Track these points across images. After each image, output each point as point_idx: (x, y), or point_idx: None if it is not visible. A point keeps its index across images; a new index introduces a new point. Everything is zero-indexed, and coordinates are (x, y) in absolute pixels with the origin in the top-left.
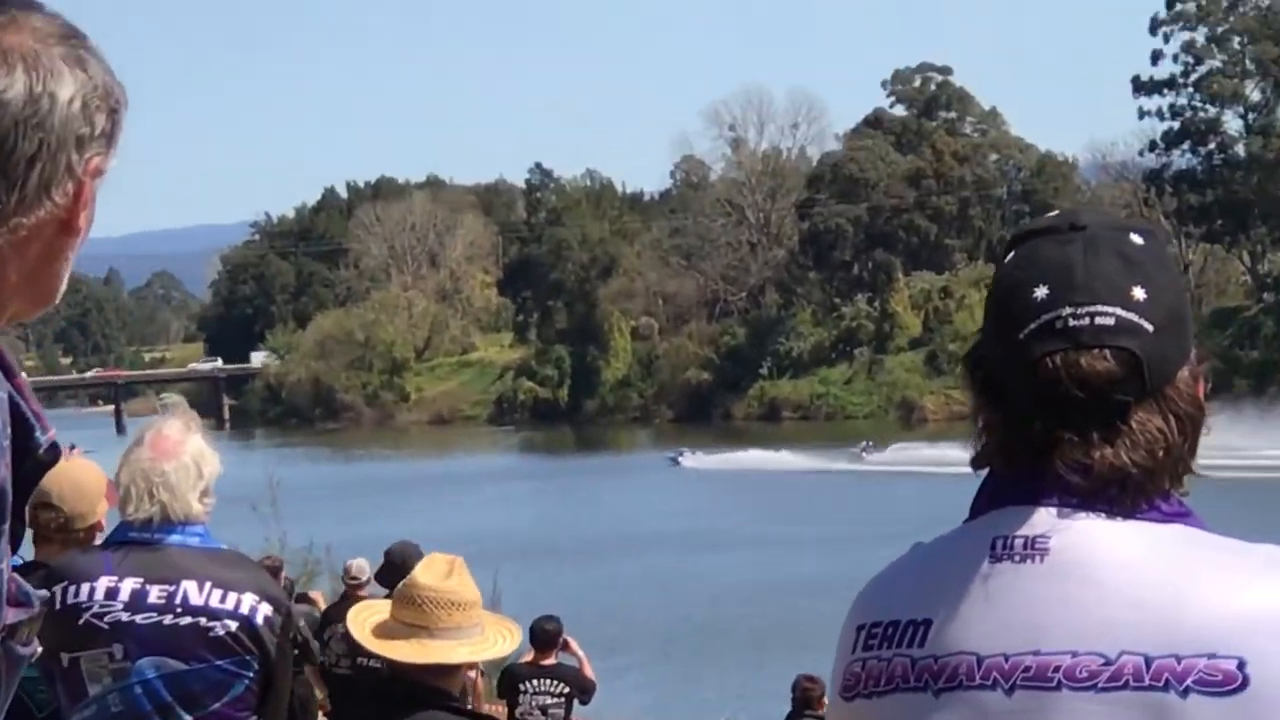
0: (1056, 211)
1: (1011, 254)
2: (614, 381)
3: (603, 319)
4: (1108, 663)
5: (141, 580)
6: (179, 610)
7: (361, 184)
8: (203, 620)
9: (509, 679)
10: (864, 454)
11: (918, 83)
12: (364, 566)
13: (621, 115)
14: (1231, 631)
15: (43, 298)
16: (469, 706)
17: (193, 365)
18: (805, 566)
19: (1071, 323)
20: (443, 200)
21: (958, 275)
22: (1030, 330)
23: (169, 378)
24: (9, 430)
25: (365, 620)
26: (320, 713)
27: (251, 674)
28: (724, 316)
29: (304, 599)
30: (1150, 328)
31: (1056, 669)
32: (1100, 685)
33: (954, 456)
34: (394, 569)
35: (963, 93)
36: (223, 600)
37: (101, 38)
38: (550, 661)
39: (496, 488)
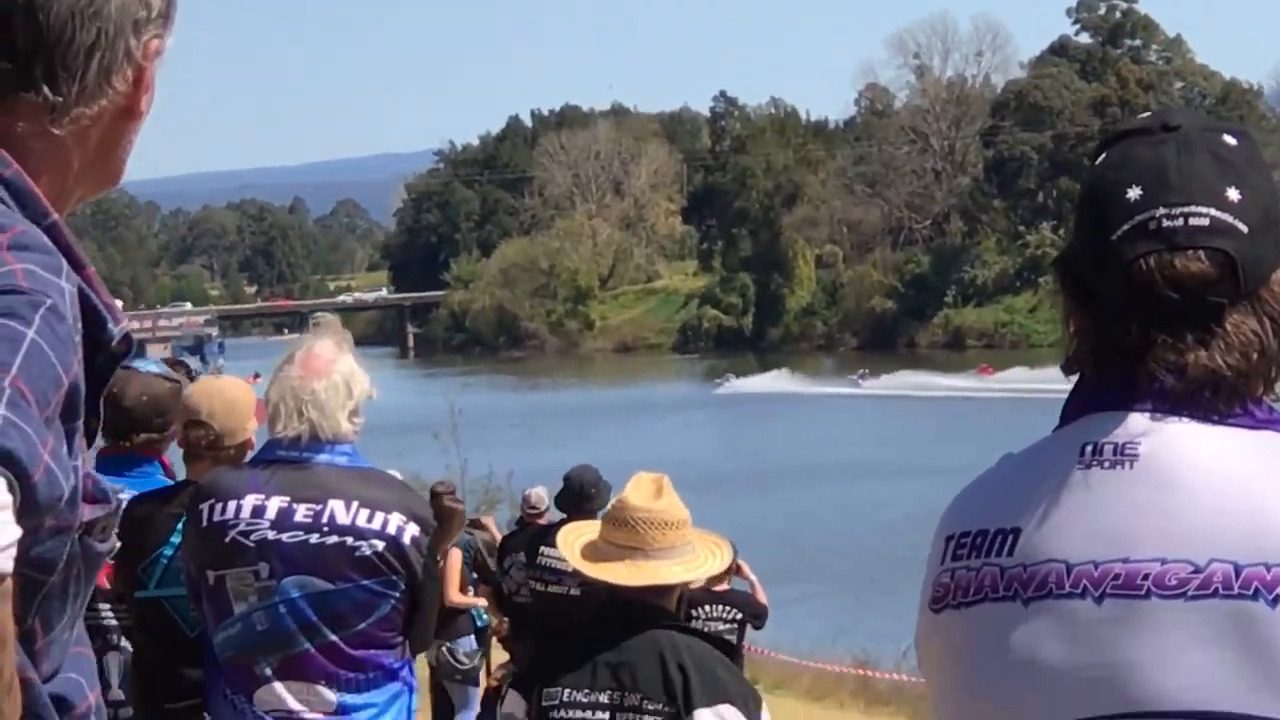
0: (1149, 113)
1: (1103, 155)
2: (798, 310)
3: (787, 247)
4: (1197, 570)
5: (288, 499)
6: (325, 529)
7: (546, 112)
8: (349, 540)
9: (682, 604)
10: (860, 381)
11: (1102, 10)
12: (543, 496)
13: (806, 43)
14: None
15: (106, 181)
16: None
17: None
18: None
19: (1165, 224)
20: (627, 128)
21: None
22: (1123, 232)
23: (353, 306)
24: (79, 324)
25: (574, 542)
26: (495, 639)
27: (398, 594)
28: (908, 244)
29: (476, 524)
30: (1245, 229)
31: (1145, 576)
32: (1190, 593)
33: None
34: (573, 494)
35: (1147, 20)
36: (370, 520)
37: None
38: (723, 587)
39: (680, 416)
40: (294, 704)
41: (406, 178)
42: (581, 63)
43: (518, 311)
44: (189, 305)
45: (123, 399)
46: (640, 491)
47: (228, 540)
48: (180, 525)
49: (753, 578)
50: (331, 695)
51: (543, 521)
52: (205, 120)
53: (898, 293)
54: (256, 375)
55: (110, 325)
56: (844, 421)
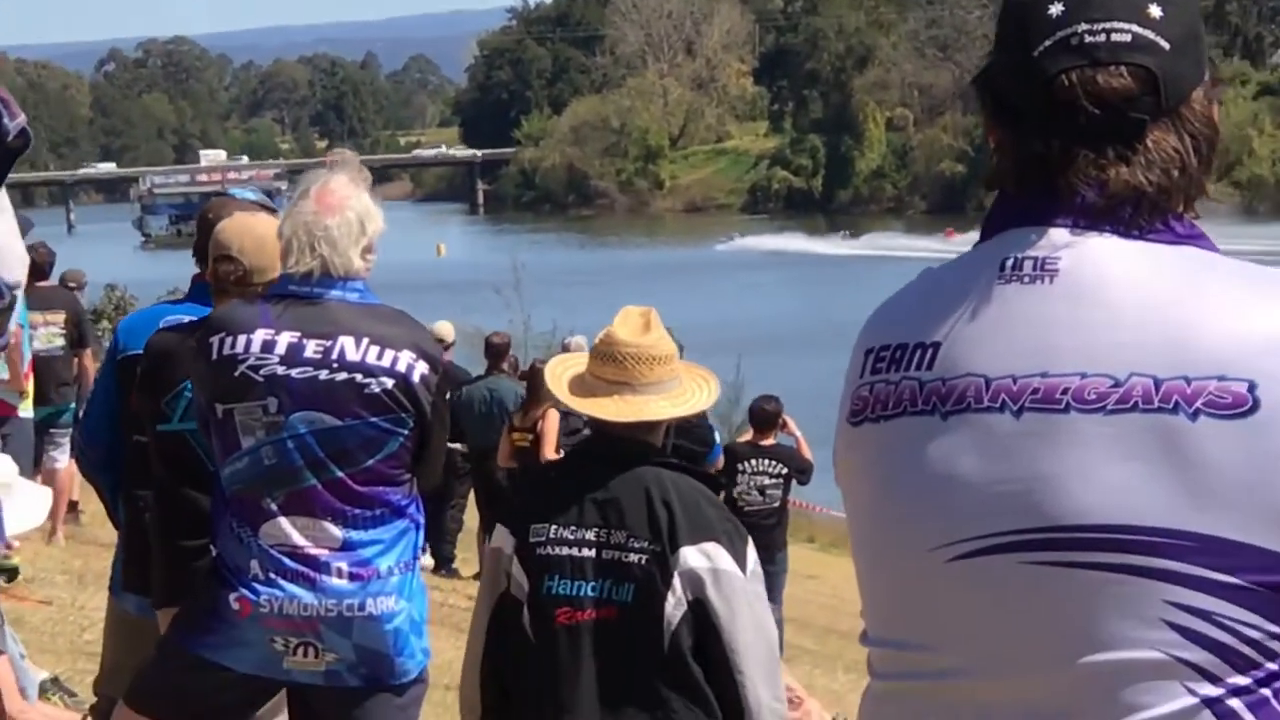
0: None
1: None
2: (868, 172)
3: (857, 109)
4: (1116, 384)
5: (299, 334)
6: (335, 365)
7: None
8: (358, 376)
9: (728, 457)
10: (843, 239)
11: None
12: (583, 343)
13: None
14: (1242, 354)
15: None
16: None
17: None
18: None
19: (1088, 39)
20: None
21: (1215, 69)
22: (1045, 48)
23: (423, 162)
24: None
25: (561, 375)
26: None
27: (406, 431)
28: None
29: (525, 375)
30: (1167, 45)
31: (1065, 391)
32: (1109, 407)
33: None
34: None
35: None
36: (379, 357)
37: None
38: (769, 442)
39: (748, 276)
40: (299, 539)
41: (480, 34)
42: None
43: (588, 170)
44: (245, 159)
45: (218, 224)
46: (628, 326)
47: (237, 374)
48: None
49: (798, 433)
50: (337, 531)
51: None
52: None
53: (967, 156)
54: None
55: (5, 119)
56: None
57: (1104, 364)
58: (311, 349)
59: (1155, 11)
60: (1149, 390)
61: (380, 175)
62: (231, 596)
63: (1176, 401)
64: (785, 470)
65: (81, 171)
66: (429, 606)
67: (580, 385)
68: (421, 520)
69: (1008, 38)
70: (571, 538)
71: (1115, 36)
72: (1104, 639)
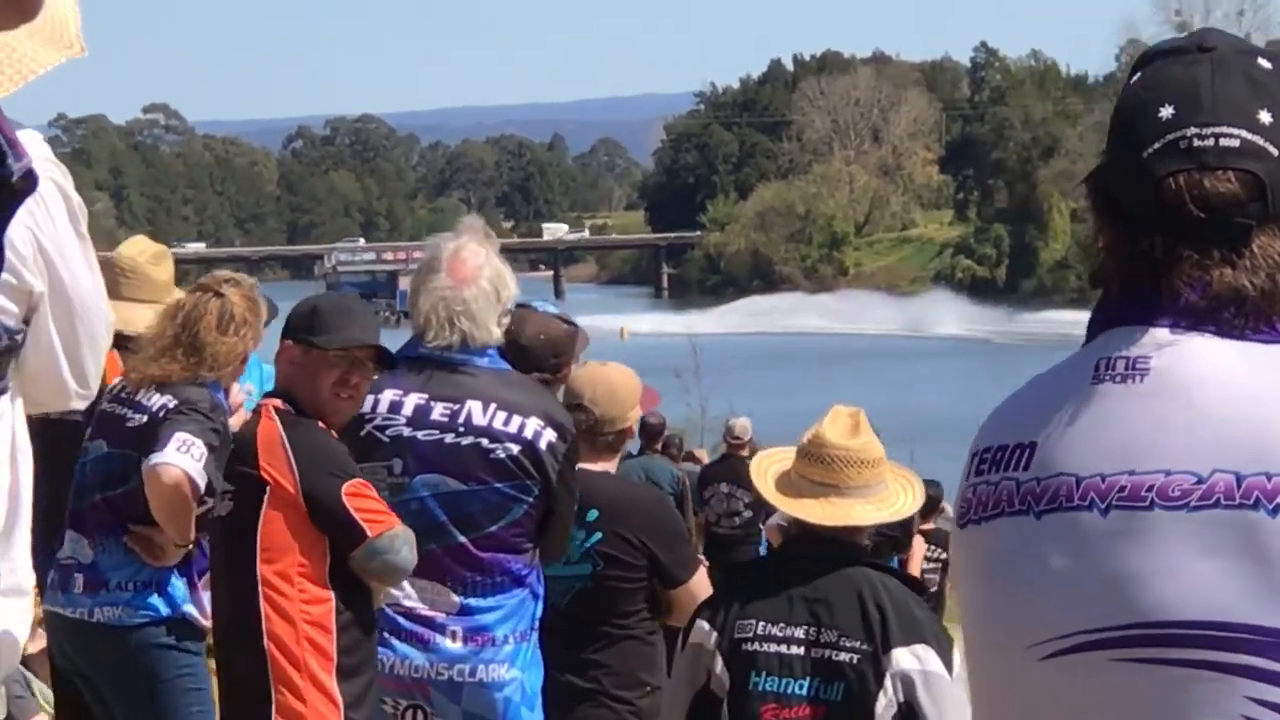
0: (1186, 33)
1: (1139, 74)
2: (1052, 262)
3: (1043, 199)
4: (1199, 481)
5: (427, 397)
6: (461, 429)
7: (807, 57)
8: (484, 441)
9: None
10: None
11: None
12: (746, 426)
13: None
14: None
15: (24, 13)
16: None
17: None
18: None
19: (1196, 143)
20: (887, 76)
21: None
22: (1154, 150)
23: (609, 244)
24: None
25: (767, 471)
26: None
27: (531, 499)
28: None
29: (690, 457)
30: (1275, 151)
31: (1150, 488)
32: (1192, 504)
33: None
34: None
35: None
36: (506, 423)
37: None
38: (928, 526)
39: (928, 364)
40: (418, 601)
41: (667, 118)
42: (845, 8)
43: (772, 255)
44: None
45: (519, 337)
46: (837, 427)
47: (363, 434)
48: None
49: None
50: (455, 596)
51: (744, 453)
52: (470, 54)
53: None
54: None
55: (10, 160)
56: None
57: (1187, 461)
58: (439, 412)
59: (1265, 118)
60: (1230, 486)
61: (566, 258)
62: None
63: (1257, 497)
64: (945, 555)
65: (268, 249)
66: None
67: (787, 484)
68: (541, 591)
69: (1119, 138)
70: (780, 635)
71: (1224, 141)
72: None
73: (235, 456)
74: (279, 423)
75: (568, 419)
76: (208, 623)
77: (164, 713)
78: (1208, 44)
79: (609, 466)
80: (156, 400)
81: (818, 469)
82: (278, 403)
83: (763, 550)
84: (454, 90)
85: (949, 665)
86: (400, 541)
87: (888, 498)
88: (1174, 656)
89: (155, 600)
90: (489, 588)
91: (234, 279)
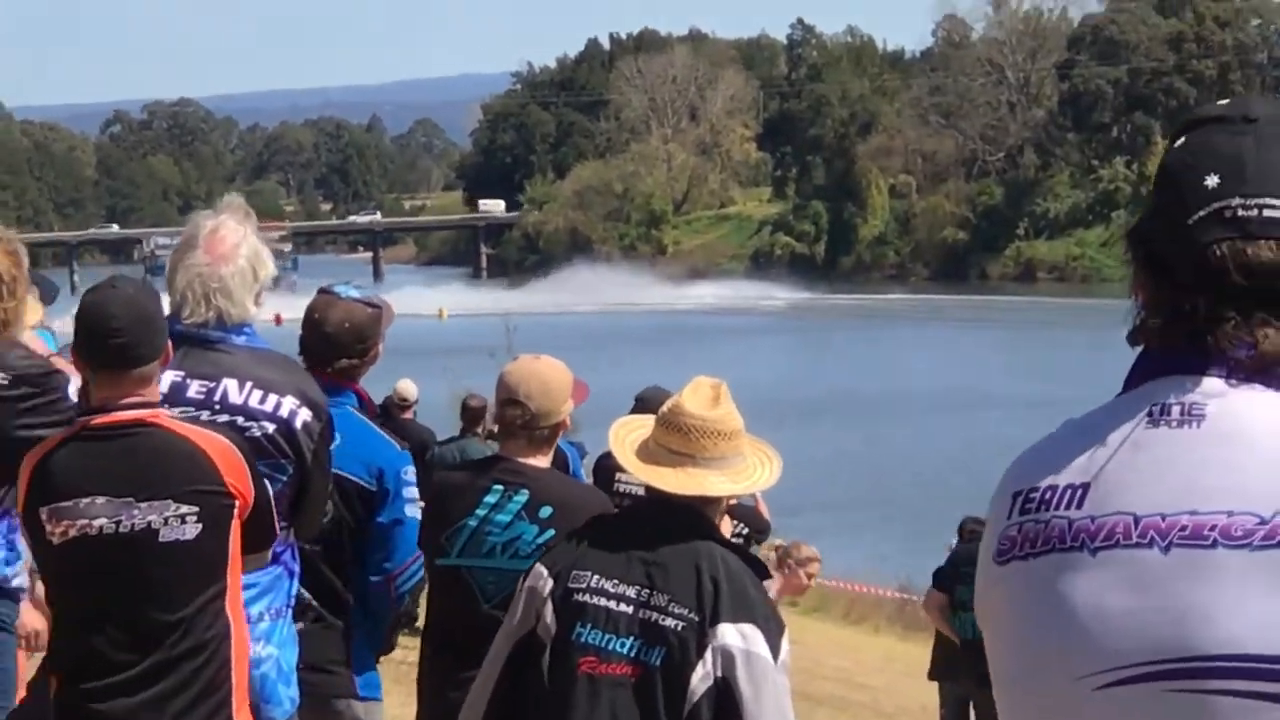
0: (1228, 100)
1: (1183, 139)
2: (871, 239)
3: (861, 176)
4: (1263, 522)
5: (183, 374)
6: (217, 407)
7: (624, 35)
8: (240, 419)
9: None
10: None
11: None
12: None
13: None
14: None
15: None
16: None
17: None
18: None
19: (1240, 213)
20: (704, 53)
21: None
22: (1199, 217)
23: (428, 225)
24: None
25: (625, 438)
26: None
27: (285, 478)
28: (981, 176)
29: (492, 435)
30: None
31: (1213, 528)
32: (1255, 543)
33: None
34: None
35: None
36: (262, 401)
37: None
38: (731, 502)
39: (748, 343)
40: None
41: (484, 99)
42: None
43: (591, 234)
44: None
45: (324, 324)
46: (697, 398)
47: None
48: (487, 497)
49: (756, 492)
50: None
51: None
52: (285, 36)
53: (970, 224)
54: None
55: None
56: (909, 355)
57: (1250, 503)
58: (194, 389)
59: None
60: None
61: (385, 239)
62: None
63: None
64: (745, 530)
65: (86, 233)
66: (389, 665)
67: (645, 451)
68: (296, 569)
69: (1164, 202)
70: (612, 590)
71: (1268, 212)
72: None
73: (185, 474)
74: (217, 432)
75: (322, 398)
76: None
77: None
78: (1252, 114)
79: (544, 460)
80: None
81: (675, 437)
82: (167, 411)
83: None
84: (271, 73)
85: (775, 650)
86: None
87: (744, 470)
88: (1230, 688)
89: None
90: None
91: None
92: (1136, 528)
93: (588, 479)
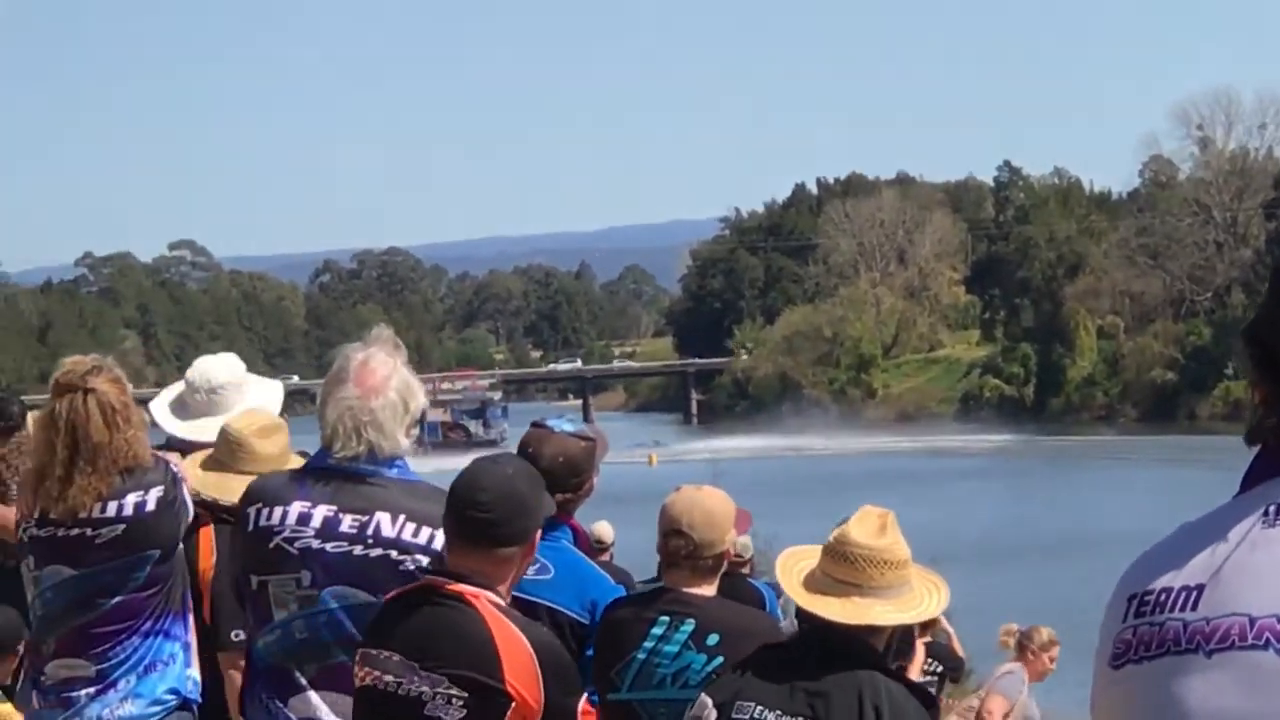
0: None
1: None
2: (1079, 380)
3: (1069, 317)
4: None
5: (335, 509)
6: (370, 541)
7: (831, 180)
8: (393, 553)
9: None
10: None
11: None
12: (748, 544)
13: (1089, 114)
14: None
15: None
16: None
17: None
18: None
19: None
20: (912, 197)
21: None
22: None
23: (637, 372)
24: None
25: (793, 568)
26: None
27: None
28: (1189, 316)
29: None
30: None
31: None
32: None
33: None
34: None
35: None
36: (415, 534)
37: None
38: (926, 639)
39: (957, 486)
40: (328, 714)
41: (693, 244)
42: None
43: (800, 379)
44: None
45: (539, 460)
46: (864, 527)
47: (272, 546)
48: (654, 629)
49: (949, 628)
50: None
51: (745, 570)
52: (496, 184)
53: (1178, 364)
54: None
55: None
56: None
57: None
58: (347, 523)
59: None
60: None
61: (595, 385)
62: None
63: None
64: (940, 668)
65: (297, 382)
66: None
67: (811, 581)
68: None
69: (1278, 293)
70: None
71: None
72: None
73: (466, 657)
74: (518, 628)
75: None
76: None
77: None
78: None
79: (710, 590)
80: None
81: (842, 567)
82: (491, 596)
83: None
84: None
85: None
86: None
87: (911, 600)
88: None
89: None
90: None
91: (97, 365)
92: (1252, 629)
93: (784, 618)
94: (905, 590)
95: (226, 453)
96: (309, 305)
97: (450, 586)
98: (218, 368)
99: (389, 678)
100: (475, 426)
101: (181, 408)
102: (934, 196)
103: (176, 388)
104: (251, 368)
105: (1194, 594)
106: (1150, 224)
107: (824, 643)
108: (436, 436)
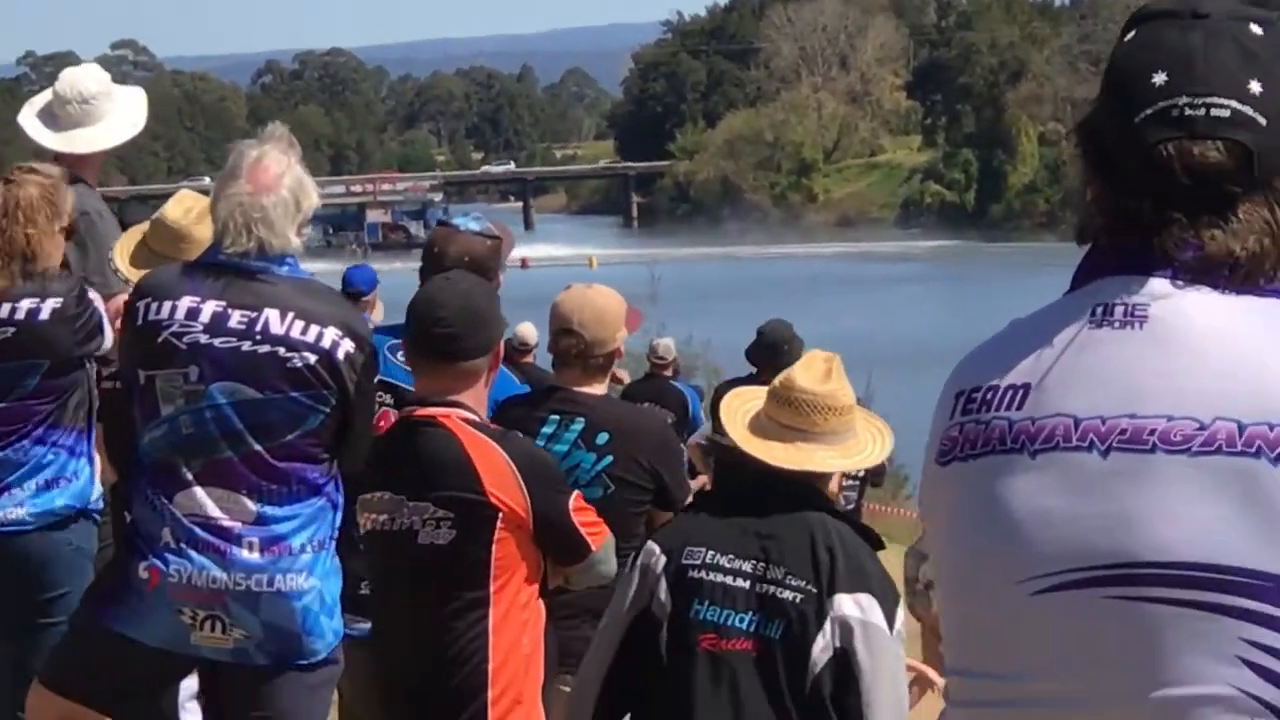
0: None
1: (1132, 33)
2: (1020, 186)
3: (1010, 124)
4: (1202, 427)
5: (224, 304)
6: (258, 337)
7: None
8: (281, 350)
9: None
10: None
11: None
12: (670, 346)
13: None
14: None
15: None
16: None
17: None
18: None
19: (1188, 112)
20: (854, 2)
21: None
22: (1146, 115)
23: (578, 174)
24: None
25: (737, 411)
26: None
27: (327, 409)
28: None
29: (612, 378)
30: (1264, 121)
31: (1152, 432)
32: (1194, 449)
33: None
34: (765, 347)
35: None
36: (304, 332)
37: None
38: None
39: (896, 290)
40: (214, 510)
41: (635, 48)
42: None
43: (741, 183)
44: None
45: (444, 259)
46: (810, 372)
47: (160, 340)
48: (544, 427)
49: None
50: (252, 504)
51: (668, 372)
52: None
53: None
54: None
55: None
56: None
57: (1190, 408)
58: (236, 319)
59: (1255, 88)
60: (1233, 434)
61: (536, 188)
62: (141, 566)
63: (1259, 446)
64: (861, 472)
65: None
66: None
67: (756, 425)
68: (340, 500)
69: (1111, 99)
70: (727, 565)
71: (1214, 111)
72: (1180, 674)
73: (445, 479)
74: (491, 439)
75: (366, 329)
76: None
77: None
78: (1202, 9)
79: (600, 388)
80: (22, 306)
81: (786, 412)
82: (461, 413)
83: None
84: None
85: (891, 621)
86: (610, 548)
87: (855, 445)
88: (1169, 596)
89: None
90: (285, 496)
91: (35, 168)
92: (1076, 430)
93: (706, 420)
94: (850, 436)
95: (167, 244)
96: (251, 106)
97: (419, 412)
98: (87, 78)
99: (382, 517)
100: (415, 228)
101: (51, 119)
102: (877, 1)
103: (43, 98)
104: (193, 167)
105: (1020, 393)
106: (1093, 30)
107: (771, 486)
108: (377, 237)
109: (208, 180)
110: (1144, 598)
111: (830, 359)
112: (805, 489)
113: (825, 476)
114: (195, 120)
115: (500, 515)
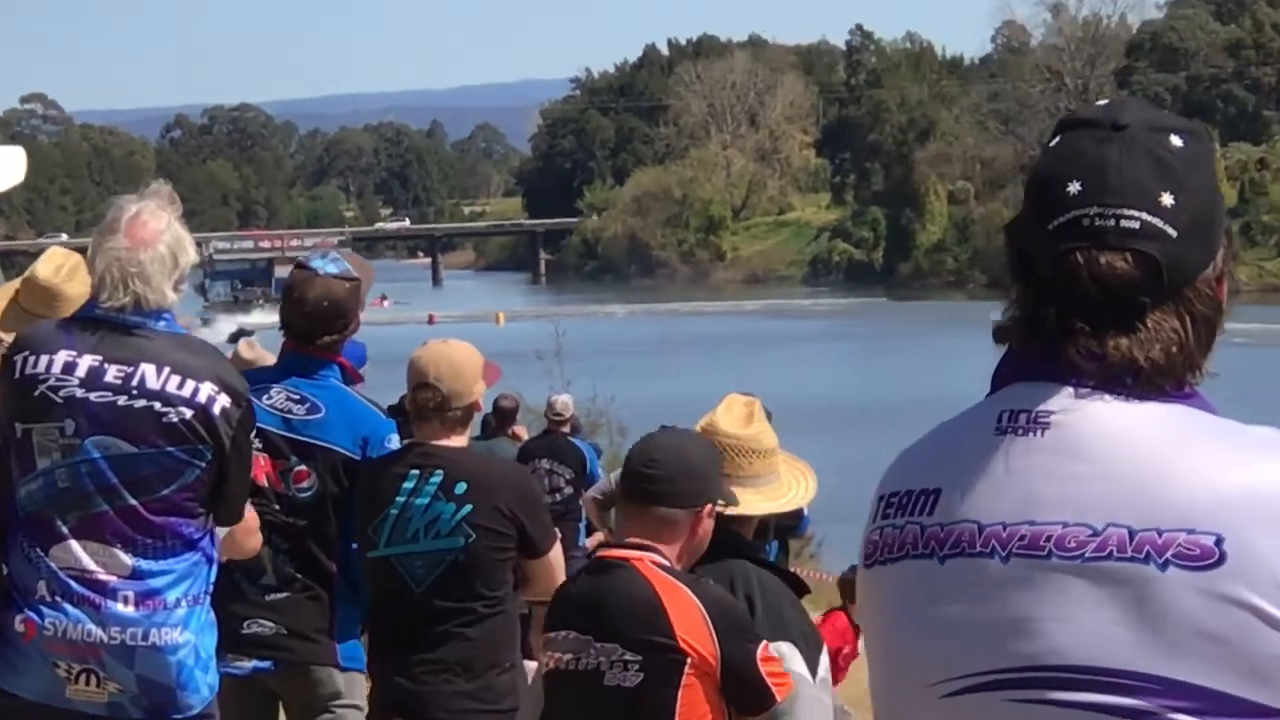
0: (1105, 101)
1: (1055, 141)
2: (928, 245)
3: (919, 182)
4: (1095, 534)
5: (101, 358)
6: (134, 392)
7: (683, 41)
8: (157, 404)
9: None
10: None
11: None
12: (568, 403)
13: None
14: (1212, 508)
15: None
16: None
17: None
18: None
19: (1098, 222)
20: (764, 59)
21: (1275, 147)
22: (1059, 223)
23: (486, 231)
24: None
25: None
26: None
27: (204, 464)
28: None
29: (512, 435)
30: (1174, 233)
31: (1049, 538)
32: (1086, 555)
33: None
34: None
35: None
36: (180, 386)
37: None
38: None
39: (805, 349)
40: (89, 564)
41: (544, 104)
42: None
43: (649, 240)
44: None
45: (304, 304)
46: (731, 416)
47: (36, 394)
48: (405, 483)
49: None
50: (127, 559)
51: (565, 429)
52: (347, 42)
53: None
54: (384, 298)
55: None
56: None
57: (1084, 514)
58: (112, 374)
59: (1167, 200)
60: (1123, 540)
61: (444, 244)
62: (18, 618)
63: (1148, 551)
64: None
65: None
66: None
67: None
68: (215, 555)
69: (1030, 204)
70: None
71: (1124, 223)
72: None
73: (636, 621)
74: (684, 585)
75: (243, 384)
76: None
77: None
78: (1122, 120)
79: (460, 441)
80: None
81: None
82: (654, 557)
83: (582, 526)
84: (332, 78)
85: (814, 668)
86: (794, 700)
87: (780, 488)
88: (1065, 698)
89: None
90: (161, 551)
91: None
92: (980, 536)
93: (604, 475)
94: (773, 479)
95: (39, 303)
96: (160, 160)
97: (611, 553)
98: None
99: (567, 656)
100: None
101: None
102: (786, 59)
103: None
104: (101, 223)
105: (931, 498)
106: (1002, 90)
107: None
108: None
109: (64, 237)
110: (1044, 700)
111: (751, 402)
112: (729, 536)
113: (749, 523)
114: (104, 174)
115: (689, 661)
